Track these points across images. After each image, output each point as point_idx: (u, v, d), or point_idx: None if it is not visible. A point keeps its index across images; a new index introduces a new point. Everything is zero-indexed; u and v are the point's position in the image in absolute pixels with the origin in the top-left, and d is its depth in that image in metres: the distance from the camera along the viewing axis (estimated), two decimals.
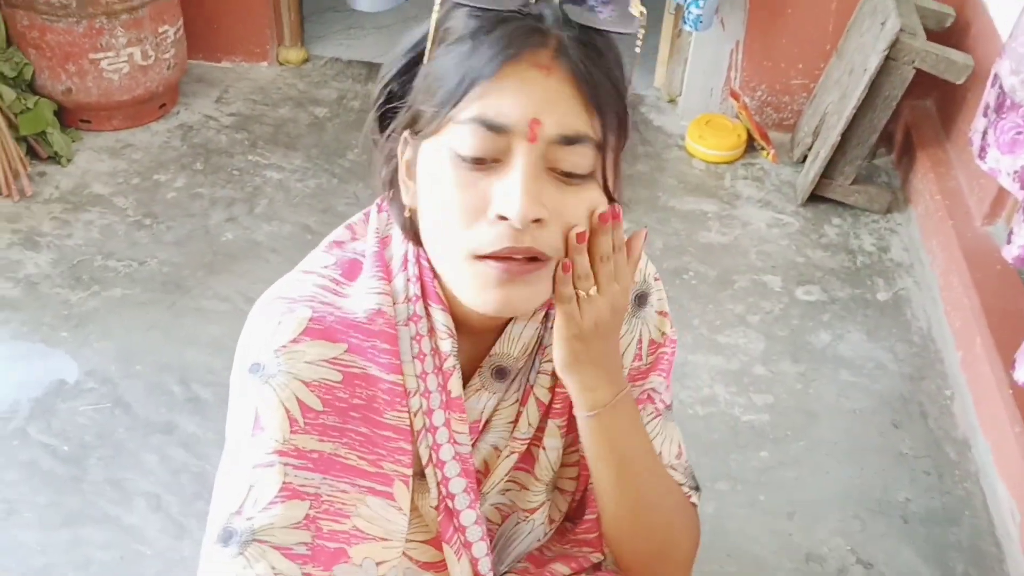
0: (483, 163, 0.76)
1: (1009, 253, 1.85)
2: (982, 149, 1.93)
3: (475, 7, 0.75)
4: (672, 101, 3.13)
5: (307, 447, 0.82)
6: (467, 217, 0.77)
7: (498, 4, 0.75)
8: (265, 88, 3.11)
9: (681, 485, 1.04)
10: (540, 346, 0.94)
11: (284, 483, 0.81)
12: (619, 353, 0.92)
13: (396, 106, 0.84)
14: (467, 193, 0.76)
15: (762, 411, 2.07)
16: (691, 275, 2.44)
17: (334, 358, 0.84)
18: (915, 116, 2.82)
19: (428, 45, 0.80)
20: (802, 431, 2.03)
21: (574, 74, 0.74)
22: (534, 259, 0.78)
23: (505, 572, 1.06)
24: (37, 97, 2.66)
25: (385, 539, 0.86)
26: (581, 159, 0.76)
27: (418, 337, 0.87)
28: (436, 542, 0.94)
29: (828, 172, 2.65)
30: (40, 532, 1.71)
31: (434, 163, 0.78)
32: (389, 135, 0.84)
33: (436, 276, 0.86)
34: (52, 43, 2.62)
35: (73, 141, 2.75)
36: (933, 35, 2.55)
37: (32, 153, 2.67)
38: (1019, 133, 1.90)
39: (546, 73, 0.73)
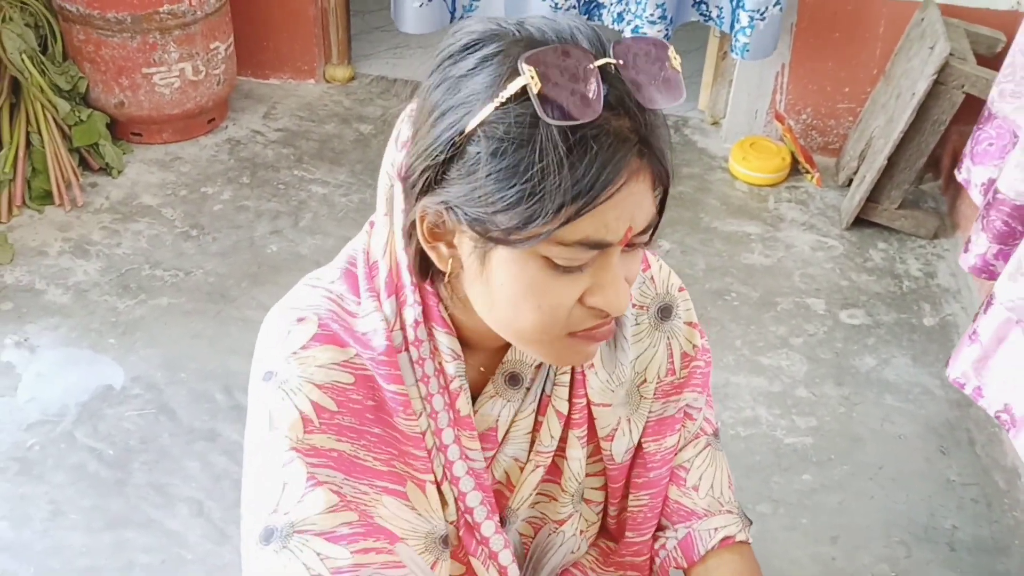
0: (575, 264, 0.75)
1: (966, 262, 1.83)
2: (960, 160, 1.92)
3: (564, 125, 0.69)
4: (716, 123, 3.13)
5: (325, 446, 0.82)
6: (556, 313, 0.77)
7: (590, 118, 0.68)
8: (312, 105, 3.15)
9: (729, 527, 1.03)
10: None
11: (309, 473, 0.81)
12: None
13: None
14: (563, 298, 0.76)
15: (805, 434, 2.05)
16: (733, 296, 2.43)
17: (344, 361, 0.84)
18: (963, 141, 2.78)
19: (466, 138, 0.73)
20: (846, 455, 2.00)
21: (654, 165, 0.73)
22: None
23: None
24: (90, 110, 2.72)
25: (403, 539, 0.85)
26: (648, 233, 0.77)
27: (420, 361, 0.86)
28: (457, 555, 0.94)
29: (874, 196, 2.62)
30: (85, 534, 1.73)
31: (519, 268, 0.75)
32: (416, 200, 0.78)
33: (441, 301, 0.85)
34: (106, 57, 2.68)
35: (124, 153, 2.81)
36: (983, 60, 2.53)
37: (84, 164, 2.73)
38: (991, 144, 1.88)
39: (637, 178, 0.72)
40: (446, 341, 0.85)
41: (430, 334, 0.85)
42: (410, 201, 0.78)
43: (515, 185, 0.70)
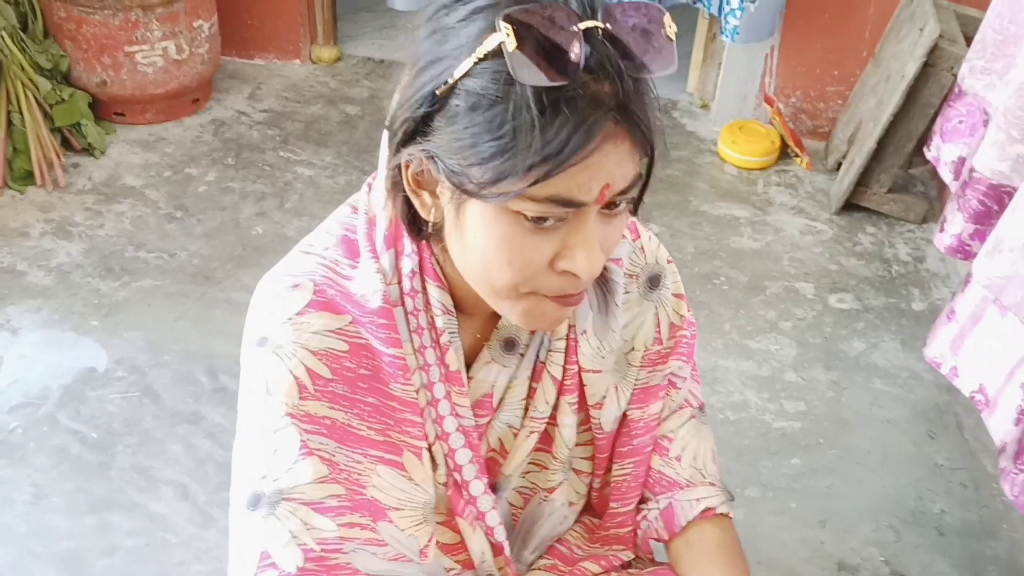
0: (551, 221, 0.74)
1: (941, 243, 1.82)
2: (930, 138, 1.90)
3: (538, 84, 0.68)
4: (705, 106, 3.11)
5: (318, 413, 0.82)
6: (531, 273, 0.76)
7: (558, 79, 0.67)
8: (297, 85, 3.12)
9: (711, 498, 1.03)
10: None
11: (302, 441, 0.81)
12: None
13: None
14: (534, 255, 0.75)
15: (794, 418, 2.04)
16: (722, 280, 2.42)
17: (339, 328, 0.84)
18: None
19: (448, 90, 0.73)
20: (834, 439, 2.00)
21: (632, 130, 0.71)
22: None
23: (533, 567, 1.05)
24: (72, 89, 2.68)
25: (398, 508, 0.85)
26: (629, 194, 0.76)
27: (415, 312, 0.87)
28: (450, 523, 0.93)
29: (863, 180, 2.62)
30: (68, 517, 1.71)
31: (492, 222, 0.74)
32: (397, 150, 0.79)
33: (434, 255, 0.85)
34: (88, 35, 2.64)
35: (107, 133, 2.77)
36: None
37: (66, 144, 2.69)
38: (960, 122, 1.87)
39: (614, 142, 0.71)
40: (437, 295, 0.86)
41: (424, 287, 0.86)
42: (393, 148, 0.78)
43: (489, 141, 0.70)
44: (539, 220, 0.73)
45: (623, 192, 0.74)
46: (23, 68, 2.55)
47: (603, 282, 0.96)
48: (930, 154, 1.88)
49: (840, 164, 2.78)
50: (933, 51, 2.38)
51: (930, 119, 2.50)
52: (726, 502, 1.03)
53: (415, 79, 0.74)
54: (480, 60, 0.69)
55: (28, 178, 2.54)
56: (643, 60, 0.70)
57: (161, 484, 1.78)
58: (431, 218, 0.80)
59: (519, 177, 0.69)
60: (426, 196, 0.79)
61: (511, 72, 0.67)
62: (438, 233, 0.82)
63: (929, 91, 2.45)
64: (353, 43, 3.37)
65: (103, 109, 2.81)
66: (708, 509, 1.01)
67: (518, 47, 0.66)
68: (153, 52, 2.71)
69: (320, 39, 3.24)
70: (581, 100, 0.68)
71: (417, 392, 0.88)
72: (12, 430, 1.87)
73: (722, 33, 2.75)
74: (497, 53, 0.68)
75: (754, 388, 2.10)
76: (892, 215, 2.66)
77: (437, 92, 0.72)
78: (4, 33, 2.52)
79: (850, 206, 2.67)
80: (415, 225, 0.83)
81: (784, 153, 2.90)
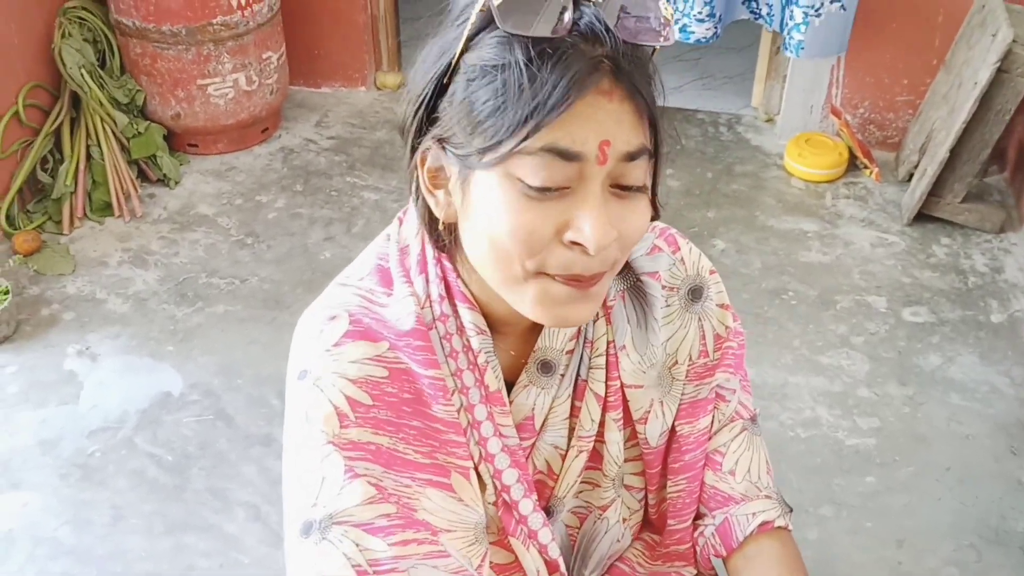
0: (552, 191, 0.75)
1: None
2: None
3: (524, 36, 0.72)
4: (770, 120, 3.07)
5: (362, 439, 0.82)
6: (536, 245, 0.76)
7: (548, 31, 0.72)
8: (363, 112, 3.17)
9: (768, 511, 1.00)
10: (585, 339, 0.94)
11: (347, 465, 0.81)
12: None
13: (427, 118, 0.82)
14: (537, 223, 0.75)
15: (868, 435, 1.99)
16: (791, 295, 2.38)
17: (378, 356, 0.85)
18: None
19: (456, 67, 0.77)
20: (911, 456, 1.94)
21: (631, 92, 0.74)
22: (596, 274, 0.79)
23: None
24: (148, 122, 2.77)
25: (449, 530, 0.85)
26: (640, 171, 0.77)
27: (447, 336, 0.87)
28: (503, 543, 0.93)
29: (936, 190, 2.55)
30: (145, 539, 1.76)
31: (495, 191, 0.76)
32: (414, 147, 0.82)
33: (460, 276, 0.87)
34: (163, 70, 2.73)
35: (181, 164, 2.85)
36: None
37: (143, 176, 2.78)
38: None
39: (608, 98, 0.73)
40: (469, 316, 0.87)
41: (454, 310, 0.87)
42: (408, 149, 0.81)
43: (484, 102, 0.73)
44: (543, 190, 0.74)
45: (629, 158, 0.75)
46: (101, 103, 2.64)
47: (640, 296, 0.95)
48: None
49: (911, 175, 2.72)
50: (1007, 56, 2.32)
51: (1005, 126, 2.44)
52: (783, 515, 1.01)
53: (423, 73, 0.78)
54: (474, 35, 0.74)
55: (107, 209, 2.64)
56: (634, 26, 0.73)
57: (235, 505, 1.82)
58: (442, 217, 0.81)
59: (513, 131, 0.72)
60: (441, 195, 0.81)
61: (496, 20, 0.71)
62: (454, 238, 0.83)
63: (1003, 97, 2.39)
64: None
65: (177, 141, 2.90)
66: (765, 523, 0.99)
67: (503, 2, 0.71)
68: (224, 84, 2.79)
69: (385, 66, 3.30)
70: (571, 53, 0.72)
71: (458, 413, 0.88)
72: (92, 454, 1.93)
73: (785, 49, 2.71)
74: (488, 20, 0.73)
75: (826, 404, 2.06)
76: (967, 225, 2.59)
77: (441, 76, 0.76)
78: (84, 71, 2.62)
79: (923, 217, 2.60)
80: (435, 230, 0.84)
81: (852, 165, 2.85)
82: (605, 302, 0.93)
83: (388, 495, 0.82)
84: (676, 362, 0.98)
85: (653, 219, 0.84)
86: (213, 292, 2.38)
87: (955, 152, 2.47)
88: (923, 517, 1.82)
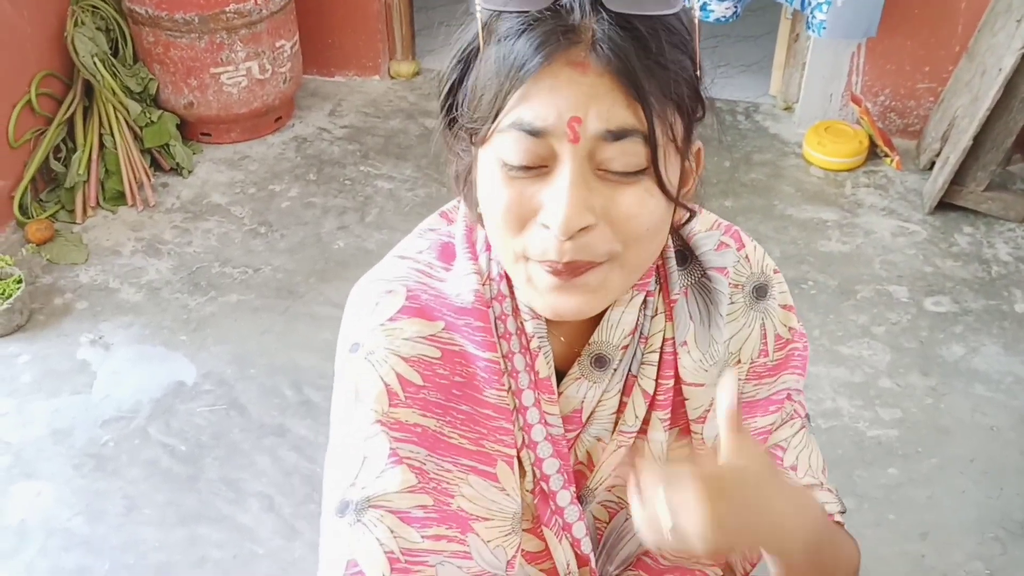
0: (530, 170, 0.73)
1: None
2: None
3: (504, 11, 0.71)
4: (788, 108, 3.03)
5: (409, 420, 0.81)
6: (518, 223, 0.75)
7: (523, 4, 0.70)
8: (377, 101, 3.15)
9: (831, 504, 0.98)
10: (641, 334, 0.90)
11: (392, 449, 0.80)
12: (796, 513, 0.76)
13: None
14: (516, 201, 0.74)
15: (890, 426, 1.96)
16: (810, 285, 2.34)
17: (432, 335, 0.83)
18: None
19: (480, 48, 0.77)
20: (934, 448, 1.91)
21: (612, 67, 0.69)
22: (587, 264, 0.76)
23: None
24: (161, 111, 2.76)
25: (487, 519, 0.83)
26: (631, 156, 0.71)
27: (503, 316, 0.85)
28: (536, 531, 0.91)
29: (959, 179, 2.51)
30: (159, 529, 1.74)
31: (487, 170, 0.76)
32: (456, 135, 0.81)
33: None
34: (175, 58, 2.71)
35: (194, 153, 2.84)
36: None
37: (156, 165, 2.76)
38: None
39: (582, 71, 0.69)
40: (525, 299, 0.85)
41: (511, 291, 0.85)
42: (447, 145, 0.81)
43: (478, 78, 0.74)
44: (520, 169, 0.72)
45: (612, 138, 0.70)
46: (114, 92, 2.63)
47: (705, 292, 0.92)
48: None
49: (933, 163, 2.68)
50: None
51: None
52: (841, 512, 0.99)
53: (447, 72, 0.79)
54: (485, 23, 0.73)
55: (120, 198, 2.62)
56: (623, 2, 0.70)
57: (248, 496, 1.80)
58: (475, 215, 0.82)
59: (492, 102, 0.72)
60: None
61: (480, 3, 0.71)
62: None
63: None
64: (431, 57, 3.39)
65: (190, 130, 2.88)
66: (829, 515, 0.97)
67: None
68: (237, 73, 2.77)
69: (399, 55, 3.28)
70: (546, 23, 0.70)
71: (508, 396, 0.86)
72: (105, 443, 1.91)
73: (808, 28, 2.67)
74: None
75: (847, 395, 2.03)
76: (991, 214, 2.54)
77: (457, 65, 0.76)
78: (96, 59, 2.61)
79: (945, 206, 2.56)
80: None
81: (873, 153, 2.81)
82: (668, 297, 0.89)
83: (428, 481, 0.81)
84: (739, 361, 0.94)
85: (684, 216, 0.81)
86: (226, 281, 2.36)
87: (978, 140, 2.43)
88: (947, 510, 1.79)
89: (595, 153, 0.71)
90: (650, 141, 0.71)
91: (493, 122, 0.72)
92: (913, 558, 1.70)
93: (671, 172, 0.75)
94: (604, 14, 0.69)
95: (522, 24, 0.70)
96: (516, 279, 0.80)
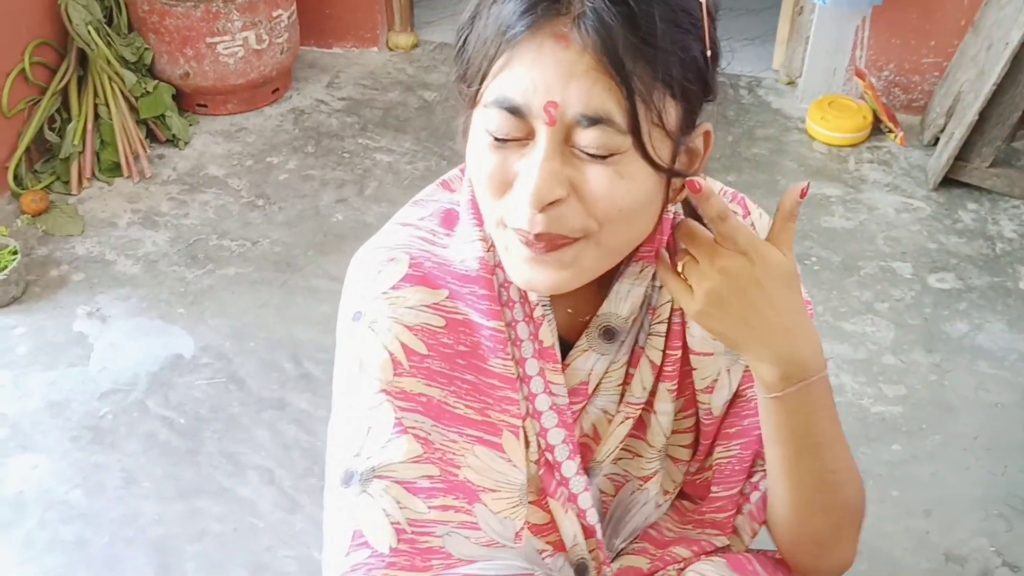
0: (512, 141, 0.72)
1: None
2: None
3: None
4: (791, 83, 3.01)
5: (414, 390, 0.80)
6: (499, 189, 0.74)
7: None
8: (375, 73, 3.11)
9: None
10: (649, 306, 0.89)
11: (397, 419, 0.79)
12: (799, 332, 0.79)
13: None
14: (497, 168, 0.73)
15: (893, 403, 1.95)
16: (813, 261, 2.33)
17: (436, 304, 0.82)
18: None
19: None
20: (938, 424, 1.90)
21: (595, 44, 0.67)
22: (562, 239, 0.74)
23: (622, 550, 1.01)
24: (156, 81, 2.72)
25: (494, 490, 0.82)
26: (608, 140, 0.70)
27: (506, 284, 0.84)
28: (540, 503, 0.90)
29: (963, 154, 2.49)
30: (157, 503, 1.72)
31: (476, 134, 0.75)
32: (460, 91, 0.81)
33: None
34: (171, 27, 2.67)
35: (190, 125, 2.80)
36: None
37: (151, 136, 2.73)
38: None
39: (564, 44, 0.67)
40: None
41: None
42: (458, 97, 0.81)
43: (471, 41, 0.74)
44: (500, 140, 0.72)
45: (587, 123, 0.69)
46: (109, 61, 2.59)
47: None
48: None
49: (937, 139, 2.66)
50: None
51: None
52: None
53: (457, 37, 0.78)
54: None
55: (115, 169, 2.59)
56: None
57: (248, 469, 1.79)
58: None
59: (479, 65, 0.71)
60: None
61: None
62: None
63: None
64: (430, 29, 3.35)
65: (186, 101, 2.84)
66: None
67: None
68: (234, 43, 2.73)
69: (397, 26, 3.23)
70: None
71: (512, 365, 0.84)
72: (103, 416, 1.89)
73: None
74: None
75: (850, 372, 2.02)
76: (995, 190, 2.53)
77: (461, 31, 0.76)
78: (91, 28, 2.56)
79: (949, 182, 2.54)
80: None
81: (876, 129, 2.78)
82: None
83: (433, 451, 0.79)
84: None
85: (673, 198, 0.79)
86: (224, 254, 2.34)
87: (984, 115, 2.40)
88: (951, 487, 1.78)
89: (571, 134, 0.70)
90: (631, 126, 0.69)
91: (480, 85, 0.71)
92: (917, 534, 1.69)
93: (660, 151, 0.73)
94: None
95: None
96: (498, 245, 0.79)
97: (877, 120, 2.78)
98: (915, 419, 1.91)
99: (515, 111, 0.70)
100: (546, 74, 0.68)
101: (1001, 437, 1.88)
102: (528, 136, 0.71)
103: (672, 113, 0.72)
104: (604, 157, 0.70)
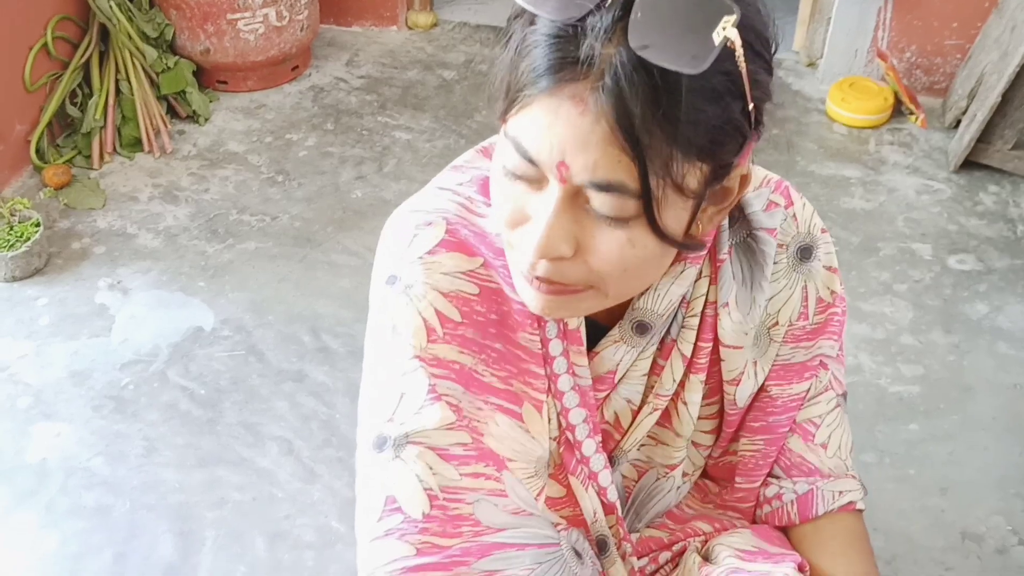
0: (524, 179, 0.71)
1: None
2: None
3: (529, 10, 0.66)
4: (812, 64, 2.99)
5: (447, 357, 0.80)
6: (511, 223, 0.74)
7: (546, 11, 0.65)
8: (394, 52, 3.11)
9: (854, 492, 0.97)
10: (684, 301, 0.88)
11: (431, 385, 0.79)
12: None
13: None
14: (512, 203, 0.72)
15: (911, 383, 1.95)
16: (833, 241, 2.31)
17: (471, 271, 0.82)
18: None
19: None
20: (956, 405, 1.90)
21: (610, 114, 0.63)
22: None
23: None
24: (177, 57, 2.73)
25: (511, 460, 0.82)
26: (620, 204, 0.67)
27: None
28: (557, 477, 0.90)
29: (985, 136, 2.48)
30: (178, 471, 1.74)
31: (500, 155, 0.73)
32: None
33: None
34: (192, 3, 2.67)
35: (210, 101, 2.81)
36: None
37: (172, 112, 2.74)
38: None
39: (581, 110, 0.64)
40: None
41: None
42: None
43: (502, 71, 0.70)
44: (514, 175, 0.70)
45: (596, 189, 0.66)
46: (130, 37, 2.60)
47: (751, 253, 0.89)
48: None
49: (958, 121, 2.64)
50: None
51: None
52: (863, 498, 0.98)
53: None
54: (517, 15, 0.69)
55: (136, 145, 2.60)
56: (655, 40, 0.61)
57: (267, 440, 1.80)
58: None
59: (501, 96, 0.69)
60: None
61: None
62: None
63: None
64: (449, 8, 3.35)
65: (206, 77, 2.85)
66: (850, 503, 0.96)
67: None
68: (254, 19, 2.73)
69: (416, 5, 3.23)
70: (567, 43, 0.64)
71: (538, 341, 0.84)
72: (125, 386, 1.91)
73: None
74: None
75: (868, 351, 2.01)
76: (1017, 173, 2.51)
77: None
78: (113, 3, 2.57)
79: (970, 164, 2.53)
80: None
81: (898, 111, 2.77)
82: (715, 259, 0.87)
83: (463, 419, 0.79)
84: (777, 323, 0.92)
85: (681, 255, 0.79)
86: (244, 229, 2.35)
87: (1007, 97, 2.39)
88: (968, 466, 1.78)
89: (582, 193, 0.68)
90: (643, 196, 0.67)
91: (505, 113, 0.69)
92: (933, 513, 1.69)
93: (671, 217, 0.69)
94: (624, 49, 0.62)
95: (549, 32, 0.65)
96: (508, 260, 0.78)
97: (898, 102, 2.76)
98: (933, 399, 1.91)
99: (530, 160, 0.68)
100: (561, 137, 0.65)
101: (1019, 418, 1.87)
102: (543, 180, 0.69)
103: (696, 175, 0.68)
104: (616, 220, 0.69)
